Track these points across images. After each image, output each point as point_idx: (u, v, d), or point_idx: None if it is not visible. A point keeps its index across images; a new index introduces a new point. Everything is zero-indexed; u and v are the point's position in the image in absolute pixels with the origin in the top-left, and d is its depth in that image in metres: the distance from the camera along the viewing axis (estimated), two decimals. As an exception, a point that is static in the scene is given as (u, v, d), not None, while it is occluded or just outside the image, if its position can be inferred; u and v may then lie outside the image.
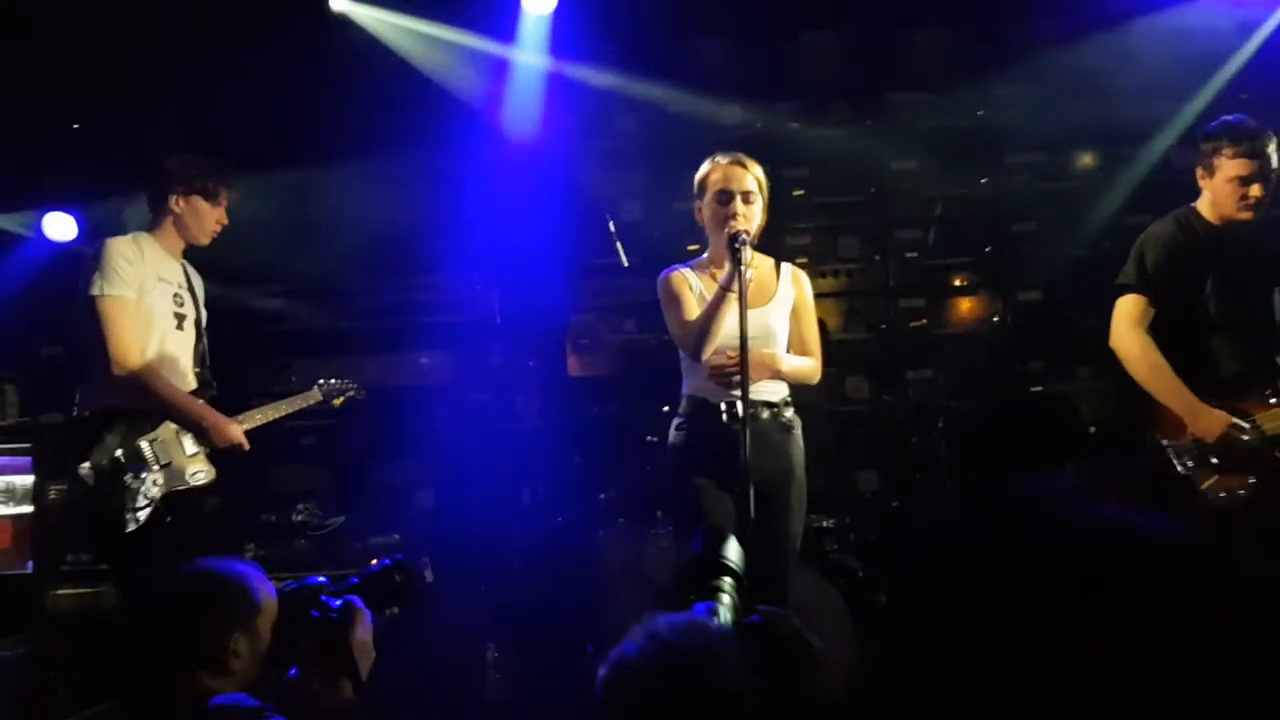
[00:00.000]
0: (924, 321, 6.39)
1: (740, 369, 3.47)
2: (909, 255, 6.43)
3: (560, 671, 4.92)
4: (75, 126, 6.18)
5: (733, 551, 2.12)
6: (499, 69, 6.26)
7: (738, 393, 3.51)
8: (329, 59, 6.04)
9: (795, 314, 3.98)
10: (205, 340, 4.42)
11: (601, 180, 6.36)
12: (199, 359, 4.37)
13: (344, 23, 6.05)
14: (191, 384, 4.29)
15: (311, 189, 6.07)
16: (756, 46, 6.50)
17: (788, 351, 3.94)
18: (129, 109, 5.92)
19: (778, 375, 3.85)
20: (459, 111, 6.16)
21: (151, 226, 4.35)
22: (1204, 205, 4.16)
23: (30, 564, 6.39)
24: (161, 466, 4.07)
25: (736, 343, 3.50)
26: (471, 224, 6.10)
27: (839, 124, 6.50)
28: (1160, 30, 5.82)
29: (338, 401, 5.03)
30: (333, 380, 5.01)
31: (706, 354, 3.73)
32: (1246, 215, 4.03)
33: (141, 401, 4.07)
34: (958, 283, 6.44)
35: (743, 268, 3.52)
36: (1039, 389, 6.00)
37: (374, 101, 6.10)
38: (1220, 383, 4.04)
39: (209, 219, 4.37)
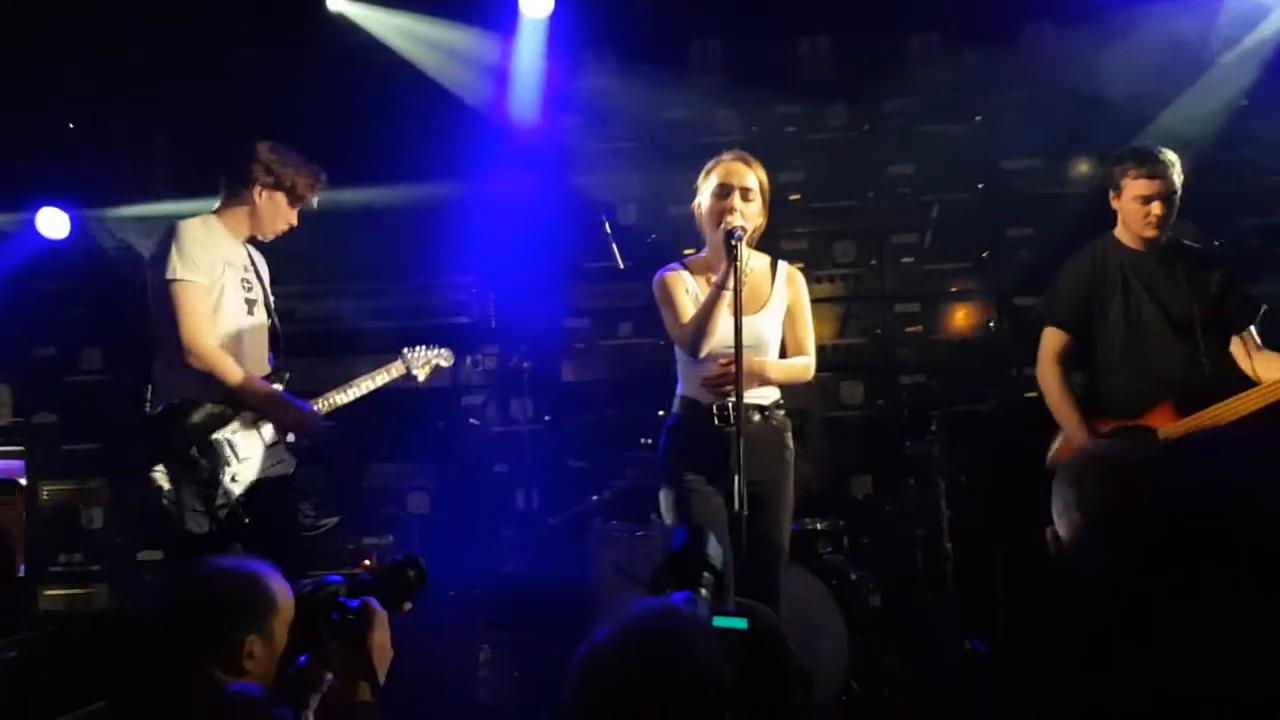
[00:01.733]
0: (919, 327, 6.39)
1: (735, 372, 3.47)
2: (905, 260, 6.42)
3: (553, 673, 4.90)
4: (70, 125, 6.18)
5: (713, 549, 2.12)
6: (496, 71, 6.26)
7: (731, 396, 3.51)
8: (326, 59, 6.04)
9: (790, 315, 3.96)
10: (276, 320, 4.26)
11: (598, 183, 6.37)
12: (272, 343, 4.22)
13: (341, 22, 6.06)
14: (266, 370, 4.13)
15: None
16: (754, 51, 6.51)
17: (783, 352, 3.93)
18: (124, 108, 5.91)
19: (767, 383, 3.85)
20: (456, 113, 6.16)
21: (220, 209, 4.16)
22: (1120, 230, 4.39)
23: (23, 566, 6.39)
24: (240, 460, 3.92)
25: (730, 347, 3.50)
26: (467, 227, 6.10)
27: (836, 128, 6.50)
28: (1157, 36, 5.83)
29: (423, 372, 4.65)
30: (418, 348, 4.65)
31: (704, 351, 3.72)
32: (1151, 233, 4.26)
33: (216, 391, 3.90)
34: (953, 288, 6.44)
35: (739, 264, 3.51)
36: (1033, 395, 5.99)
37: (370, 102, 6.10)
38: (1130, 400, 4.23)
39: (282, 218, 4.19)
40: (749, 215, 3.76)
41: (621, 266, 6.03)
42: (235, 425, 3.94)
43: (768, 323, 3.88)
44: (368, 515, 5.96)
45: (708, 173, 3.87)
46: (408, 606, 2.58)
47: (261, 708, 2.34)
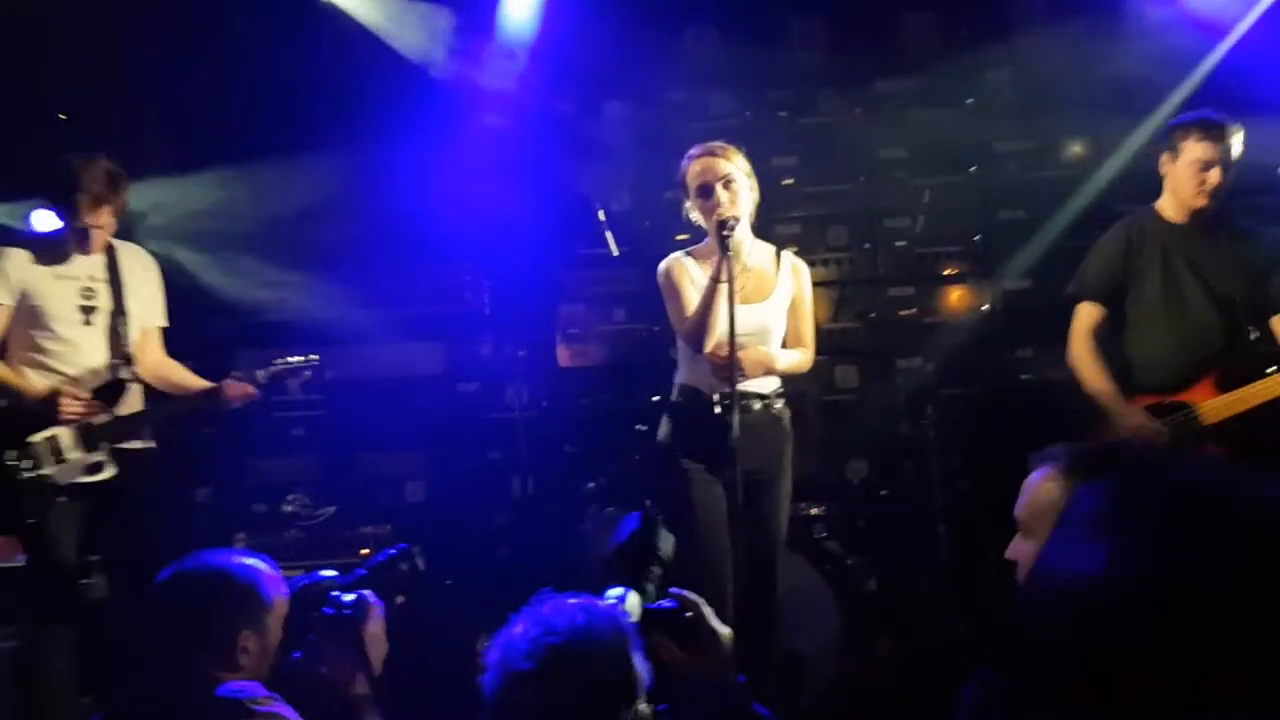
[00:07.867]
0: (913, 310, 6.38)
1: (730, 359, 3.49)
2: (898, 244, 6.42)
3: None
4: (62, 117, 6.14)
5: (663, 540, 2.13)
6: (488, 54, 6.22)
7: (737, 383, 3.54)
8: (313, 44, 6.01)
9: (793, 305, 3.98)
10: (129, 327, 4.31)
11: (591, 169, 6.35)
12: (114, 349, 4.29)
13: (329, 9, 6.01)
14: (93, 378, 4.23)
15: (296, 178, 6.03)
16: (746, 34, 6.48)
17: (783, 343, 3.94)
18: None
19: (773, 373, 3.87)
20: (449, 98, 6.13)
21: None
22: (1164, 201, 4.31)
23: (22, 556, 6.38)
24: (58, 463, 4.12)
25: (736, 335, 3.53)
26: (461, 213, 6.08)
27: (828, 112, 6.49)
28: (1149, 19, 5.82)
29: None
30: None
31: (708, 346, 3.73)
32: (1203, 202, 4.17)
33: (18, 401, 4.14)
34: (947, 271, 6.43)
35: (729, 254, 3.53)
36: (1028, 377, 6.00)
37: (359, 87, 6.07)
38: (1169, 376, 4.20)
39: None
40: (736, 202, 3.76)
41: (615, 253, 6.02)
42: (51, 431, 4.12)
43: (772, 312, 3.89)
44: (364, 505, 5.96)
45: (684, 175, 3.88)
46: (400, 599, 2.60)
47: (258, 703, 2.35)
